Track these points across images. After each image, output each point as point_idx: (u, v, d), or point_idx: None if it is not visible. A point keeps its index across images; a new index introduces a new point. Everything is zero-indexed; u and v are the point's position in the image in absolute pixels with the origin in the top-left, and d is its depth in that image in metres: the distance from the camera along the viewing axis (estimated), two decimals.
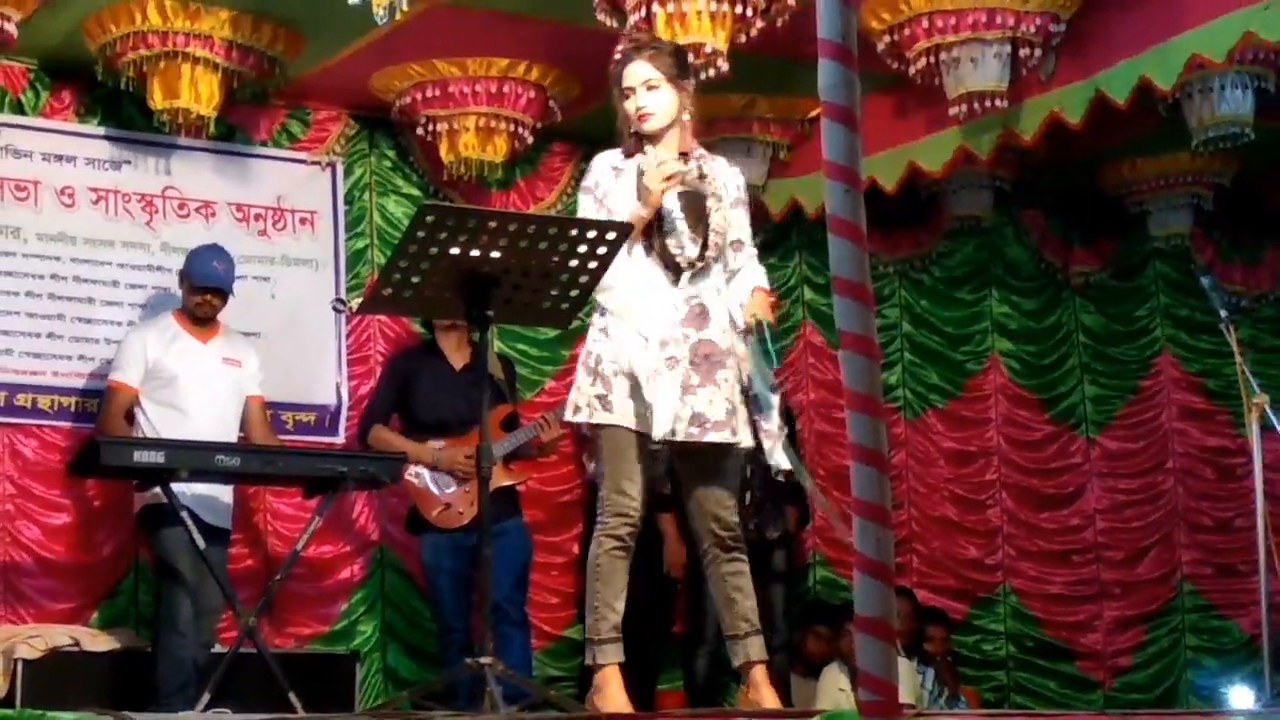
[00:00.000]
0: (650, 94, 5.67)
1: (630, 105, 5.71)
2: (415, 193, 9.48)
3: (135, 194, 8.81)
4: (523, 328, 9.18)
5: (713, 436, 5.57)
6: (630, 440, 5.61)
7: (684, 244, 5.65)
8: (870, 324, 2.86)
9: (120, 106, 8.75)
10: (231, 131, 9.02)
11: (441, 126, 8.78)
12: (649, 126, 5.69)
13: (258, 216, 9.09)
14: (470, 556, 8.06)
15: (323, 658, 8.61)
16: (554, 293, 5.43)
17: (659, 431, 5.53)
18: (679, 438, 5.54)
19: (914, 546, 10.46)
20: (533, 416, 8.58)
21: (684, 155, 5.75)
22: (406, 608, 9.12)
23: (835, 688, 8.87)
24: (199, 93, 8.15)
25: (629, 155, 5.77)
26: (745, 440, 5.65)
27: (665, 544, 8.63)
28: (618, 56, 5.80)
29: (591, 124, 9.34)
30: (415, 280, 5.29)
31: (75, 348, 8.53)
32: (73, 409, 8.50)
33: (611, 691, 5.66)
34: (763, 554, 8.69)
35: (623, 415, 5.60)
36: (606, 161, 5.79)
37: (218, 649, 7.89)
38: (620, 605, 5.68)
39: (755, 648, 5.70)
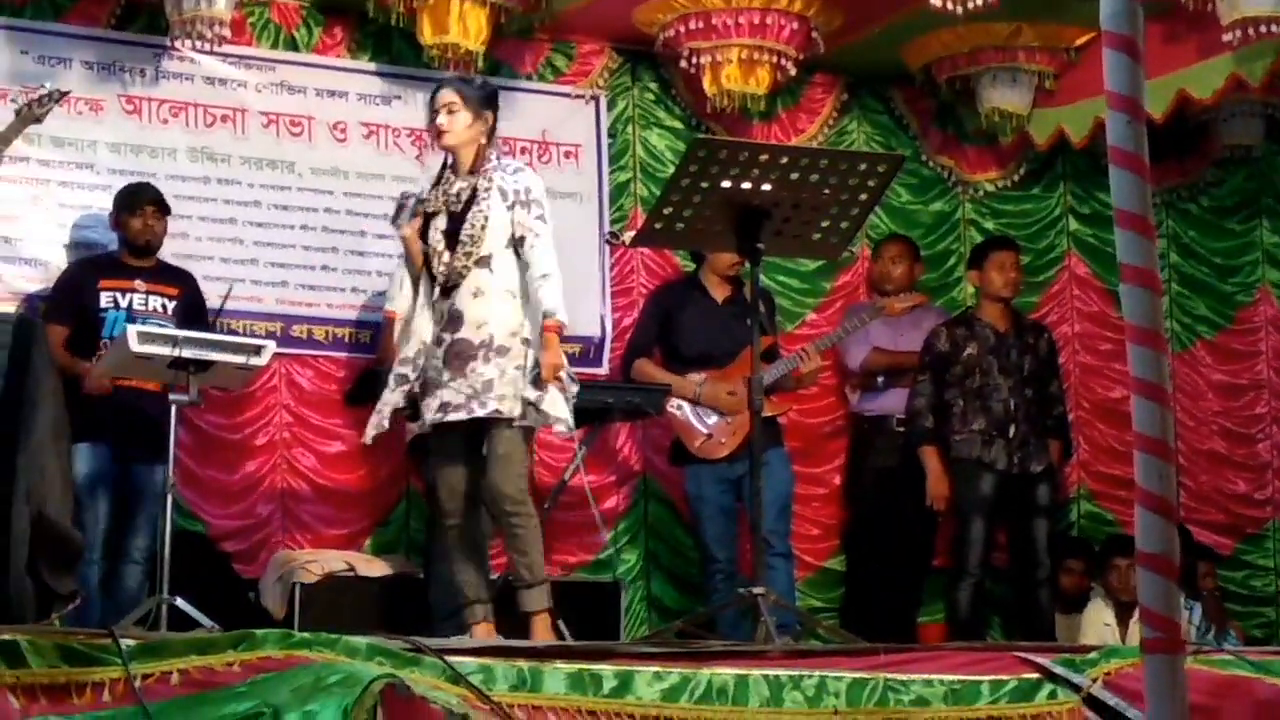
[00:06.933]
0: (449, 116, 6.53)
1: (435, 123, 6.60)
2: (678, 125, 9.52)
3: (405, 128, 8.94)
4: (783, 259, 9.14)
5: (453, 417, 6.33)
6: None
7: (441, 261, 6.47)
8: (1152, 256, 2.82)
9: (390, 42, 8.90)
10: (497, 66, 9.08)
11: (704, 59, 8.76)
12: (442, 143, 6.60)
13: (523, 150, 9.16)
14: (733, 487, 8.11)
15: (588, 586, 8.71)
16: (824, 224, 5.46)
17: (421, 427, 6.54)
18: (429, 426, 6.44)
19: (1181, 480, 10.28)
20: (792, 349, 8.57)
21: (472, 172, 6.53)
22: (670, 537, 9.20)
23: (1100, 622, 8.78)
24: (467, 27, 8.26)
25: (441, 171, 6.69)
26: (505, 411, 6.31)
27: (928, 476, 8.59)
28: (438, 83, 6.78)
29: (854, 56, 9.32)
30: (687, 213, 5.35)
31: (348, 280, 8.71)
32: (347, 339, 8.70)
33: None
34: (1026, 488, 8.62)
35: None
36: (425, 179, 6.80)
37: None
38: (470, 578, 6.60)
39: (532, 599, 6.46)
